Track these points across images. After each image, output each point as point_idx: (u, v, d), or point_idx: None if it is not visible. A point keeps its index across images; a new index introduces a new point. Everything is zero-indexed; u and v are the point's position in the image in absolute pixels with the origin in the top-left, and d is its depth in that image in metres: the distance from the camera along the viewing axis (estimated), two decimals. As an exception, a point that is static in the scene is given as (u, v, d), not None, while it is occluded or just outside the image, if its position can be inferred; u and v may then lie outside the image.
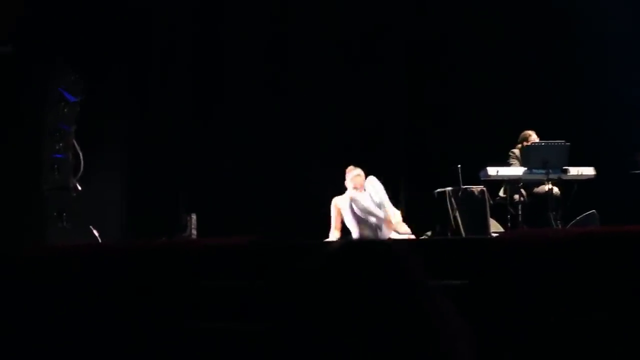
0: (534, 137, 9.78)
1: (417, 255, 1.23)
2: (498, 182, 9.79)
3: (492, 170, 9.33)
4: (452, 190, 9.45)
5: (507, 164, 9.76)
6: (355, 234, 8.96)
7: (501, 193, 9.90)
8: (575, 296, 4.19)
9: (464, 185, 9.41)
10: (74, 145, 8.75)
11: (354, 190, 9.13)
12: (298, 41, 11.77)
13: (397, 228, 9.18)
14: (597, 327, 4.04)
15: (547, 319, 4.16)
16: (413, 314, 1.14)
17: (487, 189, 9.46)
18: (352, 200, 9.02)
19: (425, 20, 11.60)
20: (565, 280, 4.26)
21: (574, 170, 9.30)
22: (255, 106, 11.53)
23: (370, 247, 1.22)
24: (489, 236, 8.67)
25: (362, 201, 9.03)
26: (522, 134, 9.91)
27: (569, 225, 9.23)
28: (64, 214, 8.44)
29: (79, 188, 8.77)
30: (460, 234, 9.12)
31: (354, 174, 9.26)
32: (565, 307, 4.17)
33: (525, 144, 9.76)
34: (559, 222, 9.23)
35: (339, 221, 9.15)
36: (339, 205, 9.14)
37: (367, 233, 8.89)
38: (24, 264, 5.31)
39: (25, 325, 4.84)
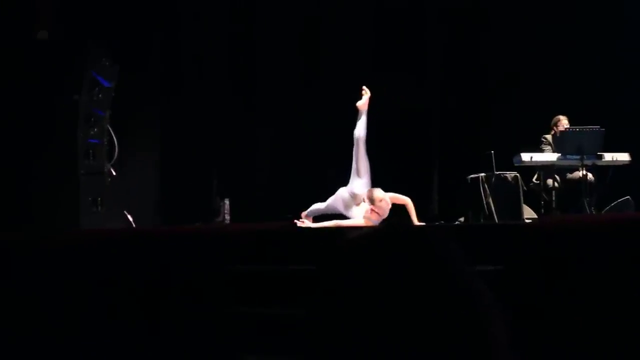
0: (564, 122, 9.73)
1: (454, 240, 1.23)
2: (532, 168, 9.74)
3: (525, 156, 9.29)
4: (485, 176, 9.41)
5: (539, 149, 9.71)
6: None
7: (535, 179, 9.85)
8: (609, 282, 4.17)
9: (497, 171, 9.38)
10: (108, 131, 8.80)
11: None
12: (330, 26, 11.76)
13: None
14: (631, 313, 4.02)
15: (581, 304, 4.14)
16: (451, 296, 1.14)
17: (520, 175, 9.41)
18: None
19: (460, 5, 11.53)
20: (599, 266, 4.24)
21: (608, 156, 9.23)
22: (289, 93, 11.54)
23: (409, 231, 1.22)
24: (523, 222, 8.63)
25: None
26: (554, 119, 9.86)
27: (603, 212, 9.16)
28: (99, 199, 8.50)
29: (114, 173, 8.83)
30: (493, 220, 9.09)
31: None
32: (599, 293, 4.15)
33: (555, 129, 9.73)
34: (593, 208, 9.17)
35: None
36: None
37: None
38: (60, 248, 5.36)
39: (61, 308, 4.89)
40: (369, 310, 1.11)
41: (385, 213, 8.75)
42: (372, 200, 8.75)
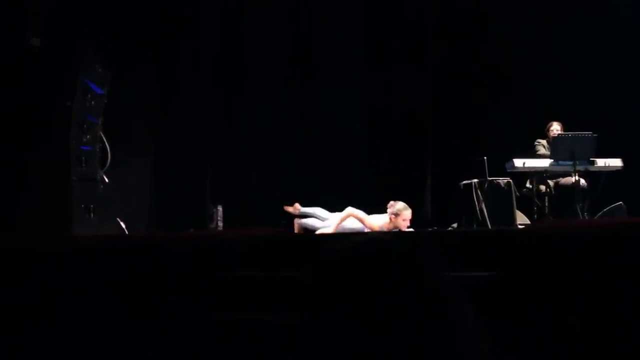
0: (554, 127, 9.76)
1: (438, 250, 1.23)
2: (524, 174, 9.75)
3: (518, 162, 9.30)
4: (478, 182, 9.42)
5: (533, 153, 9.72)
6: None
7: (527, 184, 9.86)
8: (602, 287, 4.17)
9: (490, 176, 9.39)
10: (101, 137, 8.80)
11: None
12: (322, 30, 11.76)
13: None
14: (626, 318, 4.03)
15: (575, 309, 4.15)
16: (432, 307, 1.15)
17: (513, 181, 9.43)
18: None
19: (451, 10, 11.55)
20: (593, 272, 4.24)
21: (601, 162, 9.25)
22: (282, 98, 11.55)
23: (393, 242, 1.23)
24: (516, 228, 8.64)
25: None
26: (547, 124, 9.91)
27: (596, 217, 9.18)
28: (92, 206, 8.49)
29: (106, 180, 8.81)
30: (486, 226, 9.10)
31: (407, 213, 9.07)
32: (593, 298, 4.16)
33: (548, 134, 9.77)
34: (586, 213, 9.18)
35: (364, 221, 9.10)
36: (370, 221, 9.07)
37: None
38: (52, 254, 5.35)
39: (53, 315, 4.88)
40: (352, 318, 1.12)
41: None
42: (396, 214, 8.82)
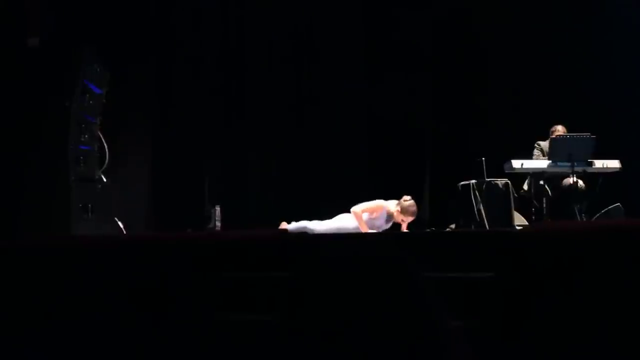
0: (557, 131, 9.75)
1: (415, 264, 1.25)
2: (522, 175, 9.75)
3: (516, 163, 9.30)
4: (476, 182, 9.43)
5: (532, 156, 9.72)
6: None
7: (525, 186, 9.86)
8: (600, 288, 4.18)
9: (488, 177, 9.39)
10: (99, 137, 8.80)
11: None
12: (321, 33, 11.75)
13: None
14: (622, 322, 4.03)
15: (572, 310, 4.15)
16: (416, 308, 1.16)
17: (511, 182, 9.43)
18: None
19: (449, 12, 11.54)
20: (590, 273, 4.25)
21: (599, 163, 9.26)
22: (281, 98, 11.54)
23: (381, 247, 1.24)
24: (513, 229, 8.64)
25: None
26: (552, 128, 9.89)
27: (594, 218, 9.18)
28: (90, 206, 8.49)
29: (105, 180, 8.81)
30: (484, 227, 9.10)
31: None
32: (590, 299, 4.16)
33: (551, 136, 9.76)
34: (583, 215, 9.18)
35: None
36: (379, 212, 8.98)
37: None
38: (49, 254, 5.35)
39: (49, 316, 4.87)
40: (342, 319, 1.13)
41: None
42: (401, 210, 8.80)
